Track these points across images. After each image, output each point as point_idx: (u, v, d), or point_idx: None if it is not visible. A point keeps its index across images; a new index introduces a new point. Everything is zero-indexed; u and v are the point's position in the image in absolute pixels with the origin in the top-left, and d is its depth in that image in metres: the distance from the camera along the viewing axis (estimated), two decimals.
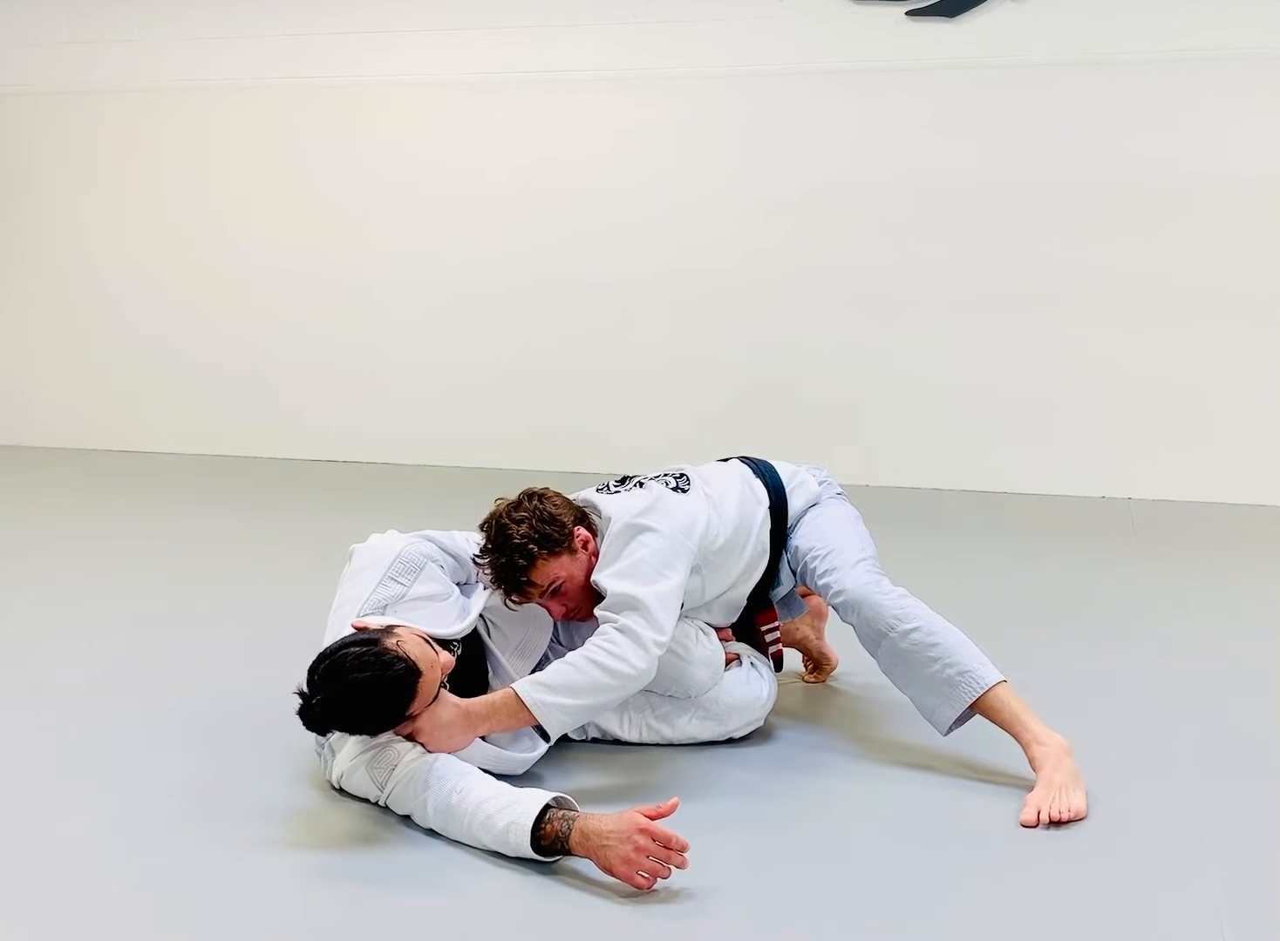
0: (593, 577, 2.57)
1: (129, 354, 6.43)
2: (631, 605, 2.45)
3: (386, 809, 2.37)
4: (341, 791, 2.46)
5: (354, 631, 2.35)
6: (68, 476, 5.94)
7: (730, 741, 2.75)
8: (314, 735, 2.42)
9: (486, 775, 2.31)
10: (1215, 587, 4.01)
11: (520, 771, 2.50)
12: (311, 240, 6.12)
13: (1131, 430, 5.35)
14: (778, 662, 2.90)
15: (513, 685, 2.42)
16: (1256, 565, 4.33)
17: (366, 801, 2.41)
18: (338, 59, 5.94)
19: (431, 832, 2.30)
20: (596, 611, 2.51)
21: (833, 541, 2.76)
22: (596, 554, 2.63)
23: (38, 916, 2.06)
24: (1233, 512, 5.09)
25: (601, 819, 2.12)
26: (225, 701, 3.00)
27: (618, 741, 2.72)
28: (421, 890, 2.14)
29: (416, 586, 2.54)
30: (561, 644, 2.76)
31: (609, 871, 2.10)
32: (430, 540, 2.69)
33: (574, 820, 2.14)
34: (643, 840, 2.07)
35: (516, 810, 2.17)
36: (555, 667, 2.43)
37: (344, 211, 6.06)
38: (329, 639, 2.48)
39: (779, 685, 2.92)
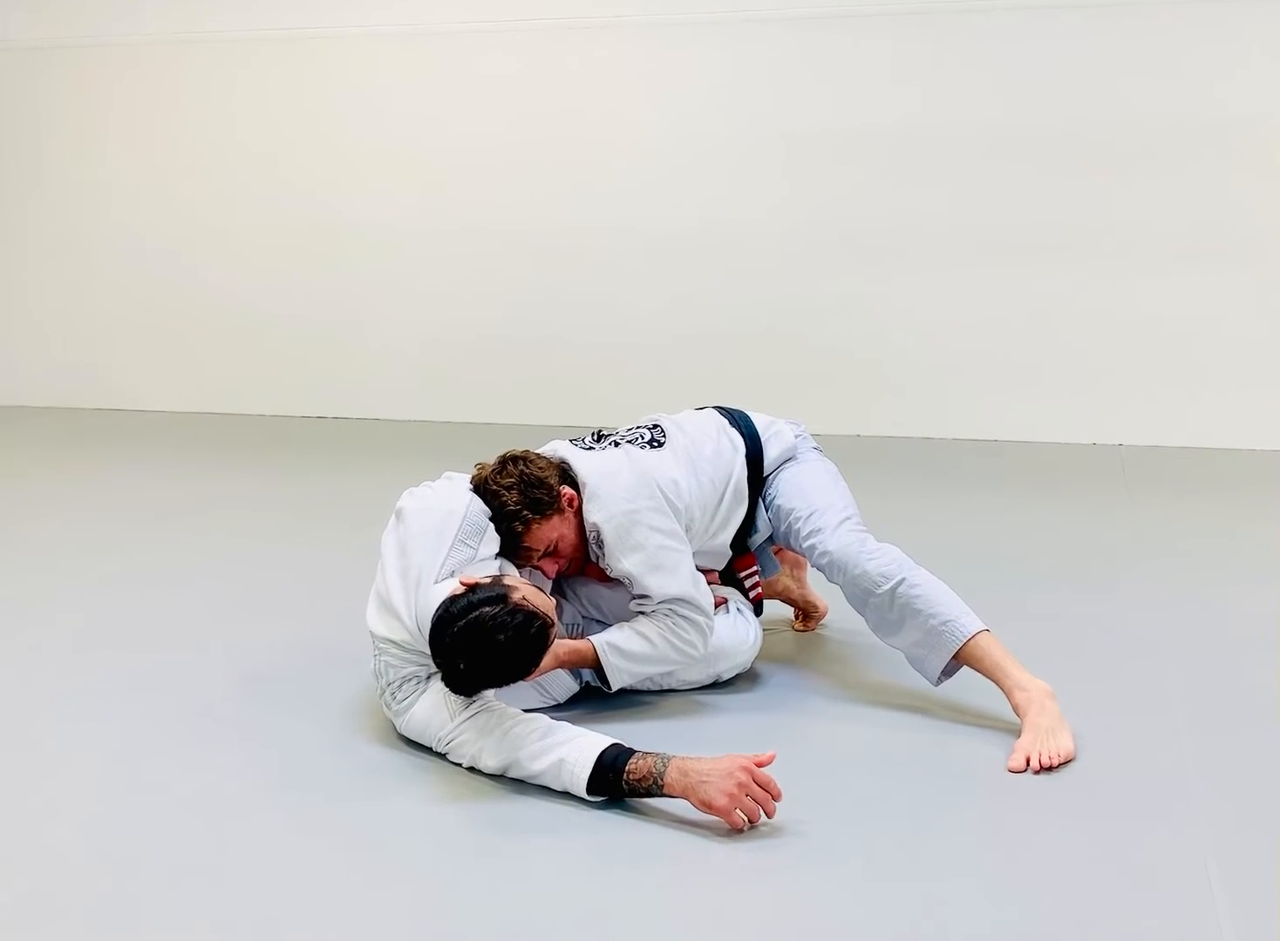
0: (615, 569, 2.61)
1: (117, 312, 6.38)
2: (680, 597, 2.58)
3: (441, 756, 2.40)
4: (402, 739, 2.49)
5: (462, 588, 2.33)
6: (57, 436, 5.91)
7: (717, 685, 2.77)
8: (377, 675, 2.51)
9: (546, 718, 2.35)
10: (1207, 533, 4.00)
11: (563, 699, 2.65)
12: (302, 194, 6.06)
13: (1122, 376, 5.33)
14: (758, 607, 2.93)
15: (592, 640, 2.59)
16: (1247, 510, 4.31)
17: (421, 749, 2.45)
18: (325, 10, 5.87)
19: (475, 773, 2.35)
20: (632, 605, 2.64)
21: (815, 501, 2.78)
22: (580, 511, 2.64)
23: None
24: (1223, 457, 5.07)
25: (700, 759, 2.19)
26: (251, 655, 3.00)
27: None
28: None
29: (482, 548, 2.53)
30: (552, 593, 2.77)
31: (708, 806, 2.15)
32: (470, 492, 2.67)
33: (669, 759, 2.19)
34: (745, 778, 2.14)
35: (577, 751, 2.24)
36: (631, 637, 2.59)
37: (336, 165, 6.00)
38: (400, 601, 2.43)
39: (768, 633, 2.94)
